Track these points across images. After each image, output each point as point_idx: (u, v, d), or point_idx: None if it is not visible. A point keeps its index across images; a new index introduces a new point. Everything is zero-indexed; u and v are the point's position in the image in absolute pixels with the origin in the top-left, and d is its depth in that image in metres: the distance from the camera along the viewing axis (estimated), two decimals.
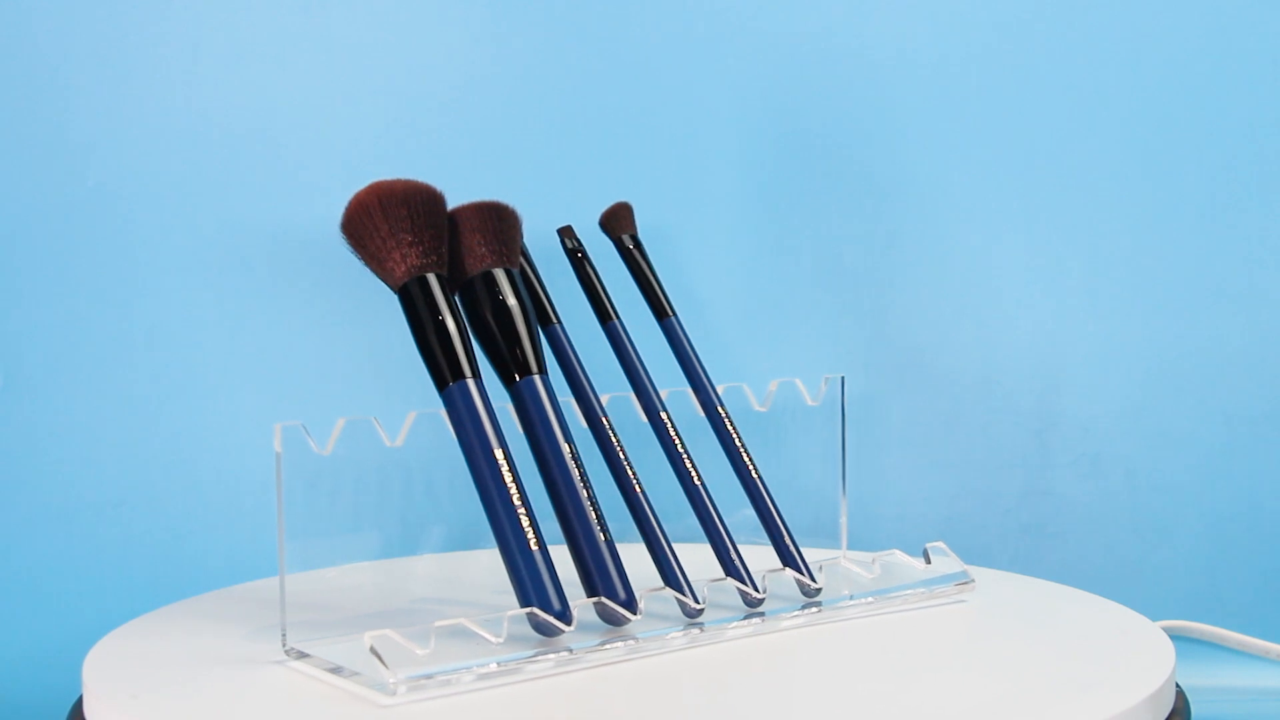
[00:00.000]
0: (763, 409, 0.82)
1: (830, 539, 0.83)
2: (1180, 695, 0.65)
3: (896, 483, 0.96)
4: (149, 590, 0.82)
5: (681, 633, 0.67)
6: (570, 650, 0.64)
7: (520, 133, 0.94)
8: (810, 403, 0.83)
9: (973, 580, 0.75)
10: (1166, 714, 0.62)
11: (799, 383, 0.82)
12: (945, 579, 0.75)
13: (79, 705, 0.64)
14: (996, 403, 0.96)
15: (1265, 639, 0.91)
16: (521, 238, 0.73)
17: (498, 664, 0.62)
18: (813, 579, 0.73)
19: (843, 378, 0.83)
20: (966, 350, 0.97)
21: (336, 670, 0.63)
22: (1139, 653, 0.66)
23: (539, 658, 0.63)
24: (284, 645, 0.66)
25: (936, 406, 0.96)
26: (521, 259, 0.75)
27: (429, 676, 0.60)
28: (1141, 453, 0.96)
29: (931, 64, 0.96)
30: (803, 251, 0.96)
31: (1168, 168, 0.96)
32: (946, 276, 0.97)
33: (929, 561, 0.76)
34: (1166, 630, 0.73)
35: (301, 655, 0.65)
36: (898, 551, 0.77)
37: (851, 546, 0.83)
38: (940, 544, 0.76)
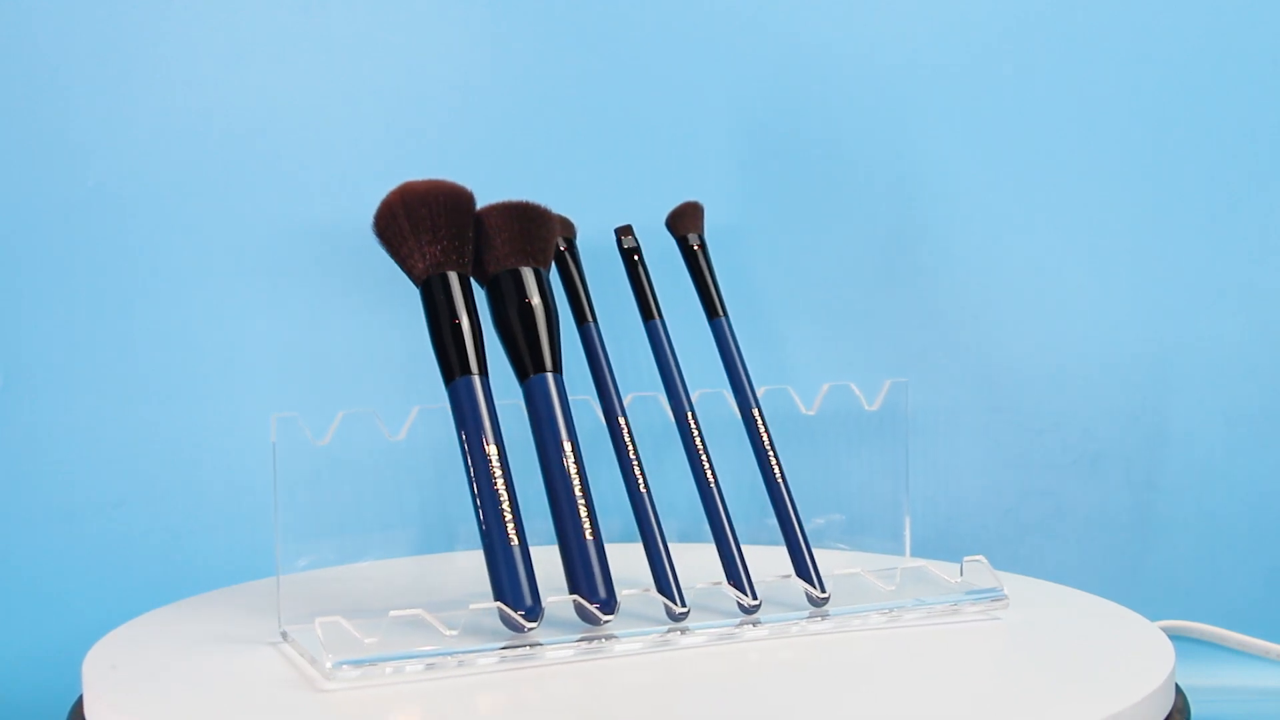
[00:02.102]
0: (810, 412, 0.82)
1: (872, 543, 0.83)
2: (1180, 695, 0.65)
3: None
4: (149, 590, 0.82)
5: (662, 635, 0.66)
6: (530, 646, 0.63)
7: (521, 132, 0.94)
8: (868, 407, 0.82)
9: (1007, 598, 0.72)
10: (1166, 714, 0.62)
11: (854, 386, 0.82)
12: (977, 594, 0.72)
13: (79, 705, 0.64)
14: (996, 403, 0.96)
15: (1265, 639, 0.91)
16: (553, 237, 0.73)
17: (452, 655, 0.62)
18: (821, 588, 0.72)
19: (907, 383, 0.82)
20: (966, 351, 0.96)
21: (314, 660, 0.63)
22: (1139, 653, 0.66)
23: (496, 652, 0.63)
24: (280, 630, 0.67)
25: (935, 406, 0.96)
26: (567, 256, 0.76)
27: (370, 663, 0.60)
28: (1141, 453, 0.96)
29: (935, 64, 0.96)
30: (806, 255, 0.96)
31: (1168, 168, 0.96)
32: (944, 277, 0.97)
33: (963, 575, 0.73)
34: (1166, 630, 0.73)
35: (293, 642, 0.66)
36: (928, 564, 0.75)
37: (872, 549, 0.83)
38: (980, 558, 0.73)
